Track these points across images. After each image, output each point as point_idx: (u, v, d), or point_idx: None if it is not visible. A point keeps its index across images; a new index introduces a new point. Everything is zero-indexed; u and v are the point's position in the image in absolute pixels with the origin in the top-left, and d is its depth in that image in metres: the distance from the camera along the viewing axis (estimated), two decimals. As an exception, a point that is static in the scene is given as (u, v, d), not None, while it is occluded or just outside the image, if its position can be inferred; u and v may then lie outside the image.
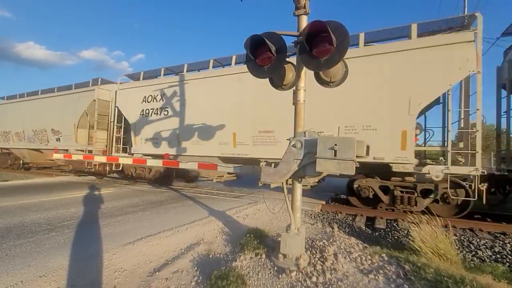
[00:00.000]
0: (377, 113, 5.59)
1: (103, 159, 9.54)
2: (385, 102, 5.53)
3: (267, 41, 2.90)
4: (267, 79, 3.46)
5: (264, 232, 4.08)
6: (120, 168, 9.48)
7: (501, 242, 4.55)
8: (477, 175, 5.03)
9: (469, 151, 5.23)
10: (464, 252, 4.29)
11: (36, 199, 6.19)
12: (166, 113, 8.29)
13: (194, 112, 7.81)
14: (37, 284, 2.44)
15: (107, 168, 9.89)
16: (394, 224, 5.53)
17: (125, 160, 8.99)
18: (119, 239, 3.57)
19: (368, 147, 2.82)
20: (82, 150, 10.32)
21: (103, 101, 10.23)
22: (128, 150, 9.71)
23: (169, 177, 9.76)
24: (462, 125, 5.97)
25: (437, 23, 5.72)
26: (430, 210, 5.59)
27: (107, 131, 10.46)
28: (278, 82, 3.55)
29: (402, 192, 5.89)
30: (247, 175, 8.51)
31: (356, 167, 2.60)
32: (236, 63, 7.53)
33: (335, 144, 2.60)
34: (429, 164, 5.72)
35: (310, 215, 6.12)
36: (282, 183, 3.09)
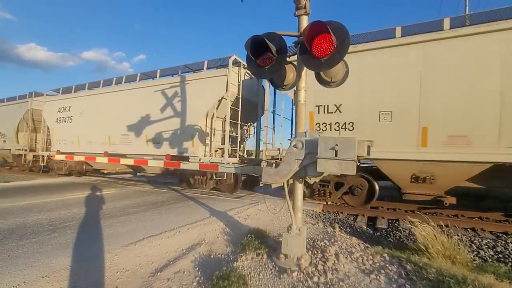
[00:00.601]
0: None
1: (104, 159, 9.66)
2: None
3: (267, 41, 2.90)
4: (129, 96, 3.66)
5: (265, 232, 4.09)
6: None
7: (503, 242, 4.54)
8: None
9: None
10: (466, 251, 4.28)
11: (38, 200, 6.22)
12: (71, 120, 10.94)
13: (87, 120, 10.39)
14: (40, 284, 2.45)
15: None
16: (396, 224, 5.52)
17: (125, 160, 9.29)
18: (121, 239, 3.58)
19: (369, 147, 2.82)
20: (22, 149, 12.94)
21: (36, 110, 12.72)
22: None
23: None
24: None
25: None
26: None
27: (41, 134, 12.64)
28: (278, 83, 3.56)
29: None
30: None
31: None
32: (161, 76, 9.15)
33: (336, 144, 2.61)
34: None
35: (312, 215, 6.12)
36: (283, 183, 3.09)
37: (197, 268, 3.06)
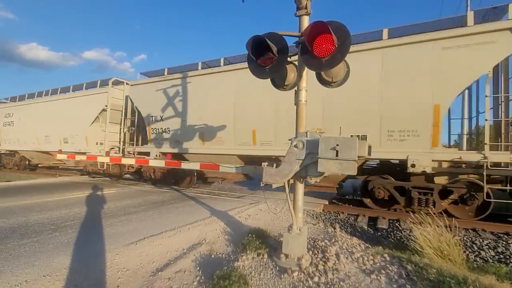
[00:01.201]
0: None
1: (106, 159, 9.71)
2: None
3: (268, 41, 2.91)
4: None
5: (266, 232, 4.09)
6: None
7: (504, 243, 4.53)
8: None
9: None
10: (467, 252, 4.27)
11: (39, 199, 6.24)
12: (13, 124, 13.59)
13: (23, 125, 13.02)
14: (41, 283, 2.46)
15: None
16: (397, 224, 5.52)
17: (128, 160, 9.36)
18: (122, 239, 3.59)
19: (370, 147, 2.82)
20: None
21: None
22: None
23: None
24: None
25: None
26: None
27: None
28: (279, 83, 3.56)
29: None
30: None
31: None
32: (73, 90, 11.90)
33: (337, 144, 2.61)
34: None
35: (312, 215, 6.12)
36: (284, 183, 3.10)
37: (198, 268, 3.06)
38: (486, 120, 5.17)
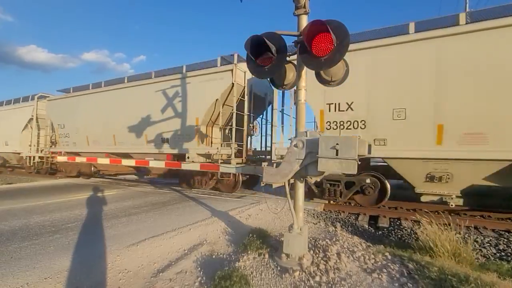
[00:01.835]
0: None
1: (106, 160, 9.83)
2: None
3: (267, 41, 2.90)
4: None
5: (266, 232, 4.09)
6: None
7: (505, 240, 4.53)
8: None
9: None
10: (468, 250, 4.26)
11: (40, 201, 6.25)
12: None
13: None
14: (43, 286, 2.46)
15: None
16: (397, 223, 5.51)
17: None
18: (122, 240, 3.59)
19: (370, 146, 2.82)
20: None
21: None
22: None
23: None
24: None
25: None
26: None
27: None
28: (279, 82, 3.55)
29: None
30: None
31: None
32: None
33: (337, 144, 2.60)
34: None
35: (313, 214, 6.11)
36: (284, 183, 3.09)
37: (199, 268, 3.06)
38: None
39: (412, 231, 4.95)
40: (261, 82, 8.59)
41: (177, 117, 8.25)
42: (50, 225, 4.32)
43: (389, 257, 3.19)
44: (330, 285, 2.65)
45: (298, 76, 3.21)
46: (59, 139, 11.73)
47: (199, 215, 5.09)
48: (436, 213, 6.01)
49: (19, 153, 13.58)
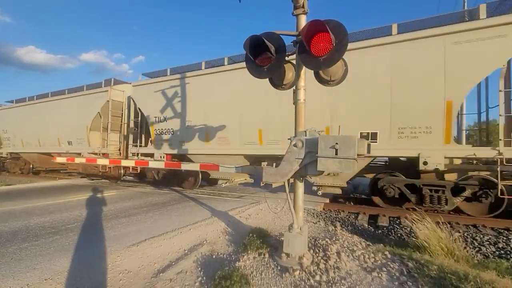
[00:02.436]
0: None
1: (105, 161, 9.78)
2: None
3: (266, 41, 2.90)
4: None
5: (266, 231, 4.09)
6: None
7: (505, 238, 4.54)
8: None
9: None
10: (468, 248, 4.28)
11: (40, 202, 6.24)
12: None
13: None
14: (43, 287, 2.46)
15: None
16: (397, 222, 5.53)
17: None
18: (123, 241, 3.59)
19: (369, 145, 2.83)
20: None
21: None
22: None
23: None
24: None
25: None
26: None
27: None
28: (278, 82, 3.56)
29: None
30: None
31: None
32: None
33: (336, 143, 2.61)
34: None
35: (313, 214, 6.13)
36: (284, 182, 3.10)
37: (199, 268, 3.07)
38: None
39: (411, 230, 4.96)
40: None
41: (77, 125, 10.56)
42: (50, 226, 4.32)
43: (389, 256, 3.20)
44: (330, 284, 2.65)
45: (297, 75, 3.21)
46: (4, 142, 14.32)
47: (199, 215, 5.10)
48: (435, 212, 6.06)
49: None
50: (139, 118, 9.63)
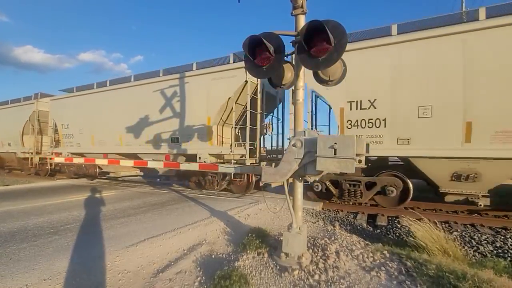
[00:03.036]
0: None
1: (105, 161, 9.84)
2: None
3: (265, 41, 2.91)
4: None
5: (266, 231, 4.10)
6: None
7: (502, 237, 4.57)
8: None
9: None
10: (466, 247, 4.31)
11: (38, 202, 6.22)
12: None
13: None
14: (42, 287, 2.46)
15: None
16: (396, 221, 5.54)
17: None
18: (122, 241, 3.59)
19: (368, 145, 2.84)
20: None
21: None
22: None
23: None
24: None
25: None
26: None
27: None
28: (277, 82, 3.56)
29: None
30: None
31: None
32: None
33: (335, 143, 2.62)
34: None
35: (312, 213, 6.14)
36: (283, 182, 3.11)
37: (199, 268, 3.07)
38: None
39: (410, 230, 4.98)
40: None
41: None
42: (48, 226, 4.31)
43: (388, 255, 3.21)
44: (329, 283, 2.67)
45: (296, 76, 3.22)
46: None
47: (198, 215, 5.09)
48: (434, 211, 6.09)
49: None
50: (54, 125, 11.90)
